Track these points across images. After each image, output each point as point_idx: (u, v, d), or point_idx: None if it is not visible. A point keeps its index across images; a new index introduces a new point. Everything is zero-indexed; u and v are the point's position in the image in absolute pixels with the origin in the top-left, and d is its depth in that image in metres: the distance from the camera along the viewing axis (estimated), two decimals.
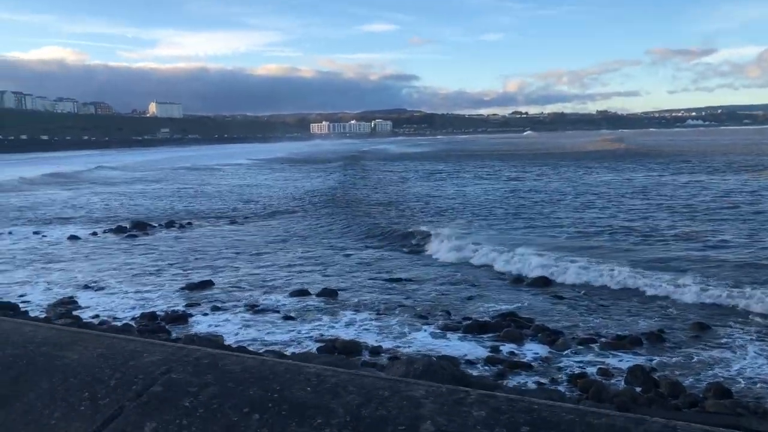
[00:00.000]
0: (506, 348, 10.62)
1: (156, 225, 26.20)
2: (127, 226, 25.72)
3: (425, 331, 11.89)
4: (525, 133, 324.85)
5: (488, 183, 44.49)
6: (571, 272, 15.62)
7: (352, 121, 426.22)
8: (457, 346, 10.84)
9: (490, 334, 11.30)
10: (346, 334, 11.59)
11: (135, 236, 23.83)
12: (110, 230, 25.03)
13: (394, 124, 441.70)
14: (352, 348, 10.59)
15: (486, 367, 9.85)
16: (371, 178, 53.58)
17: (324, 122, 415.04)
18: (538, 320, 12.17)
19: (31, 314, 13.38)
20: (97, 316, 13.23)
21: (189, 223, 26.85)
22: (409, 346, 10.89)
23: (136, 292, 15.46)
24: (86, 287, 16.00)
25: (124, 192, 44.52)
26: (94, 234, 24.44)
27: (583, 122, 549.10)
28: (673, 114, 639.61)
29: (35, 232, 25.31)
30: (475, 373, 9.62)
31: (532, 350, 10.53)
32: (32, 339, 2.86)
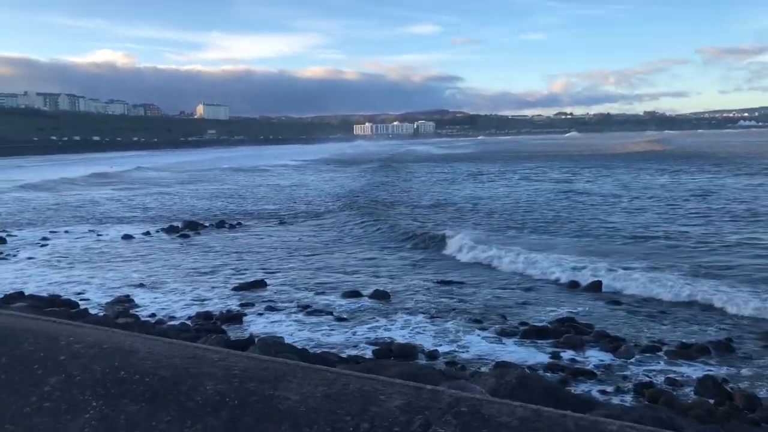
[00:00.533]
0: (567, 354, 10.34)
1: (207, 225, 26.53)
2: (179, 225, 26.11)
3: (479, 335, 11.67)
4: (568, 135, 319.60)
5: (535, 185, 43.84)
6: (628, 278, 15.16)
7: (395, 123, 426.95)
8: (515, 352, 10.59)
9: (549, 340, 11.02)
10: (401, 337, 11.45)
11: (187, 236, 24.17)
12: (163, 230, 25.44)
13: (436, 125, 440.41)
14: (407, 351, 10.45)
15: (547, 374, 9.58)
16: (414, 180, 53.37)
17: (367, 123, 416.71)
18: (598, 326, 11.83)
19: (91, 311, 13.64)
20: (153, 315, 13.39)
21: (239, 223, 27.12)
22: (465, 351, 10.69)
23: (191, 291, 15.62)
24: (141, 286, 16.24)
25: (173, 192, 45.31)
26: (147, 233, 24.87)
27: (629, 123, 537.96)
28: (724, 115, 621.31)
29: (90, 231, 25.91)
30: None
31: (594, 357, 10.22)
32: (230, 369, 2.32)
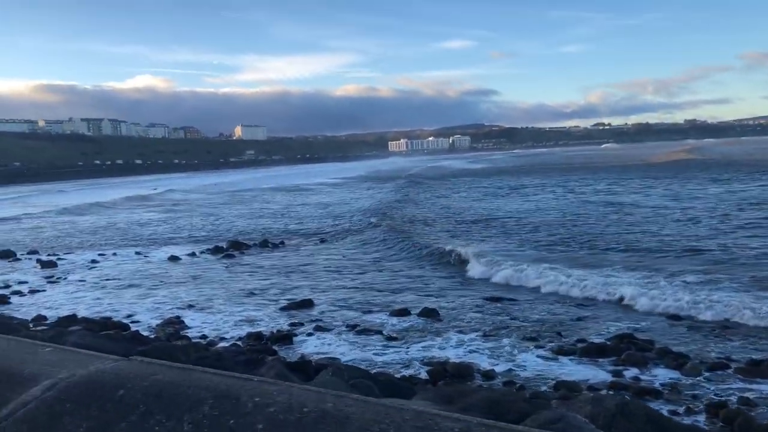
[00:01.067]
0: (630, 373, 9.96)
1: (251, 245, 26.68)
2: (224, 246, 26.32)
3: (535, 353, 11.35)
4: (603, 146, 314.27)
5: (581, 197, 43.04)
6: (685, 292, 14.63)
7: (430, 138, 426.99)
8: (575, 371, 10.25)
9: (609, 358, 10.65)
10: (455, 356, 11.21)
11: (232, 256, 24.32)
12: (208, 250, 25.67)
13: (472, 139, 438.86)
14: (464, 372, 10.20)
15: (611, 393, 9.21)
16: (454, 195, 53.00)
17: (402, 140, 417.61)
18: (659, 342, 11.40)
19: (142, 333, 13.72)
20: (204, 336, 13.41)
21: (282, 242, 27.22)
22: (523, 370, 10.39)
23: (239, 311, 15.64)
24: (190, 307, 16.34)
25: (216, 213, 45.86)
26: (193, 254, 25.12)
27: (669, 132, 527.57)
28: None
29: (137, 253, 26.30)
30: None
31: (659, 375, 9.81)
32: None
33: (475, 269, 19.13)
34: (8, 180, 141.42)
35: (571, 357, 11.04)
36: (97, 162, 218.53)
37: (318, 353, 11.52)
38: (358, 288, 17.71)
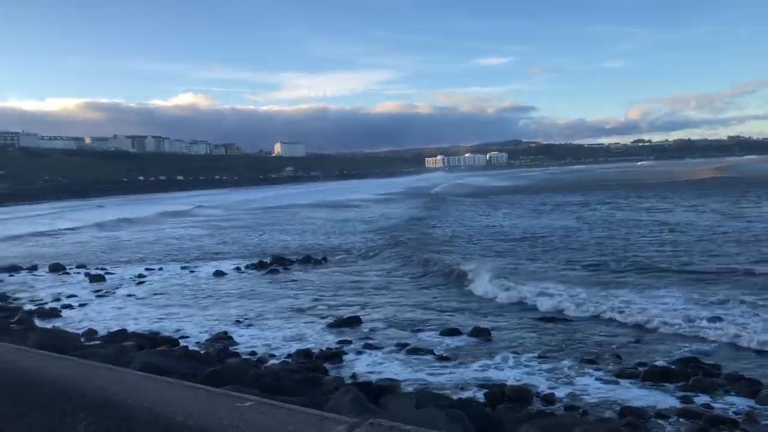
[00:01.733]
0: (699, 399, 9.44)
1: (294, 260, 26.63)
2: (268, 261, 26.32)
3: (594, 376, 10.89)
4: (639, 163, 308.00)
5: (630, 215, 42.05)
6: (751, 317, 13.98)
7: (467, 154, 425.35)
8: (639, 396, 9.78)
9: (675, 383, 10.14)
10: (511, 378, 10.83)
11: (276, 271, 24.30)
12: (252, 266, 25.70)
13: (509, 156, 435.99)
14: (522, 395, 9.82)
15: (681, 421, 8.75)
16: (496, 213, 52.36)
17: (438, 156, 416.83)
18: (726, 368, 10.83)
19: (190, 349, 13.67)
20: (253, 353, 13.27)
21: (324, 258, 27.08)
22: (585, 394, 9.96)
23: (287, 327, 15.51)
24: (238, 322, 16.28)
25: (259, 228, 46.12)
26: (238, 270, 25.18)
27: (712, 149, 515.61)
28: None
29: (183, 268, 26.48)
30: (668, 428, 8.58)
31: (731, 403, 9.29)
32: None
33: (515, 287, 18.53)
34: (55, 196, 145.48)
35: (633, 380, 10.57)
36: (141, 178, 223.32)
37: (370, 372, 11.27)
38: (404, 305, 17.43)
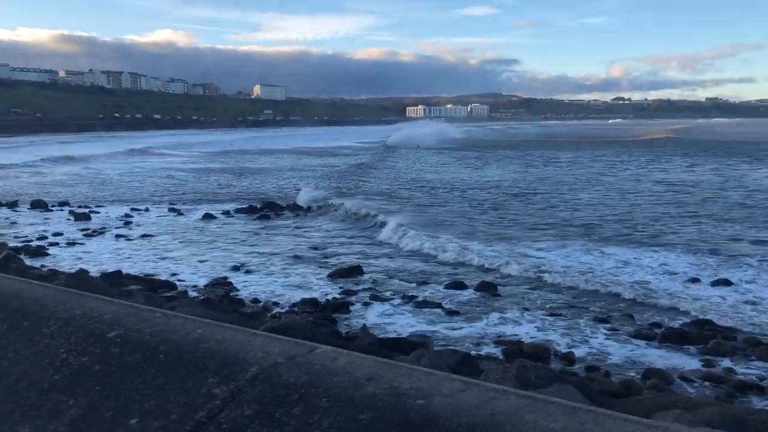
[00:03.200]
0: (723, 363, 9.31)
1: (285, 206, 26.08)
2: (258, 206, 25.74)
3: (611, 337, 10.70)
4: (610, 121, 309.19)
5: (624, 174, 42.01)
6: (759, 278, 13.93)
7: (448, 105, 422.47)
8: (661, 357, 9.62)
9: (696, 346, 9.99)
10: (526, 335, 10.62)
11: (268, 217, 23.77)
12: (242, 210, 25.11)
13: (491, 109, 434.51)
14: (542, 353, 9.60)
15: (705, 384, 8.61)
16: (485, 167, 52.01)
17: (420, 106, 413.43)
18: (742, 333, 10.71)
19: (190, 294, 13.27)
20: (257, 300, 12.89)
21: (309, 208, 26.34)
22: (606, 355, 9.77)
23: (285, 275, 15.11)
24: (235, 269, 15.80)
25: (244, 172, 45.26)
26: (227, 213, 24.59)
27: (691, 110, 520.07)
28: None
29: (171, 210, 25.79)
30: (692, 391, 8.43)
31: (755, 367, 9.17)
32: None
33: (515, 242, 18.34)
34: (29, 129, 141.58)
35: (649, 342, 10.41)
36: (117, 115, 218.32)
37: (383, 324, 10.98)
38: (401, 256, 17.12)
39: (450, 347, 9.67)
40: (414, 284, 14.08)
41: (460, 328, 11.10)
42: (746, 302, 12.37)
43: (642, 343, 10.42)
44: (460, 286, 13.77)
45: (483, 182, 35.92)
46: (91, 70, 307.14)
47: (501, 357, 9.58)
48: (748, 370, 9.09)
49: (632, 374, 8.98)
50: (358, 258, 16.85)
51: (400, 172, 43.65)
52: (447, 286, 13.83)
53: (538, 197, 28.69)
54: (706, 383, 8.66)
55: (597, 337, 10.63)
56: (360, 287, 13.79)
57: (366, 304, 12.52)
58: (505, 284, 14.04)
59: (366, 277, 14.75)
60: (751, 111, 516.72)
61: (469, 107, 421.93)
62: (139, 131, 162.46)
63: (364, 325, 10.98)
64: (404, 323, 11.29)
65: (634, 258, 16.17)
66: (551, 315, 11.75)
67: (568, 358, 9.61)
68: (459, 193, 30.71)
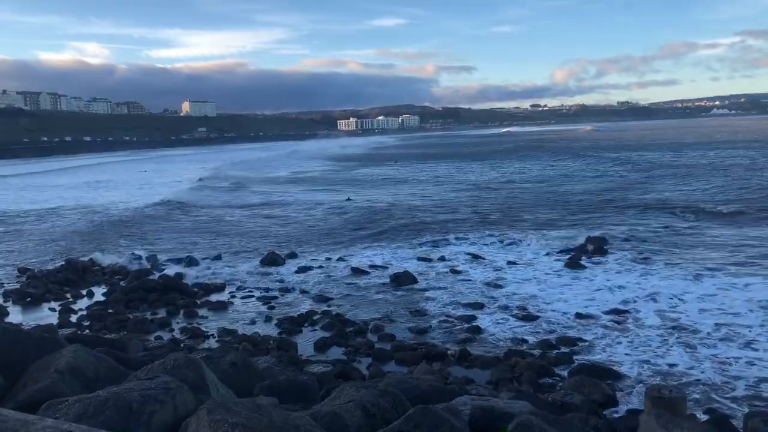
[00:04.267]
0: None
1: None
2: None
3: None
4: (504, 130, 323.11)
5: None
6: None
7: (380, 117, 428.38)
8: None
9: None
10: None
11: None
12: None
13: (421, 119, 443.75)
14: None
15: None
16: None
17: (351, 119, 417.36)
18: None
19: None
20: None
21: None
22: None
23: None
24: None
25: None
26: None
27: (606, 113, 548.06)
28: (696, 104, 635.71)
29: (329, 257, 26.93)
30: None
31: None
32: None
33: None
34: None
35: None
36: (45, 139, 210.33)
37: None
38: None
39: None
40: None
41: None
42: None
43: None
44: None
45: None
46: (5, 90, 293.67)
47: None
48: None
49: None
50: None
51: None
52: None
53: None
54: None
55: None
56: None
57: None
58: None
59: None
60: (660, 113, 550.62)
61: (400, 118, 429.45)
62: (74, 155, 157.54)
63: None
64: None
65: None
66: None
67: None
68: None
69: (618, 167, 59.92)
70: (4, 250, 27.62)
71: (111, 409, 4.51)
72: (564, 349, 13.26)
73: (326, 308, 17.23)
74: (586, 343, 13.62)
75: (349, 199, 41.92)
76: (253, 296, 18.93)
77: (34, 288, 19.72)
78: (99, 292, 19.69)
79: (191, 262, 23.26)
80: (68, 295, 19.25)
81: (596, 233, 24.85)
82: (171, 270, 21.99)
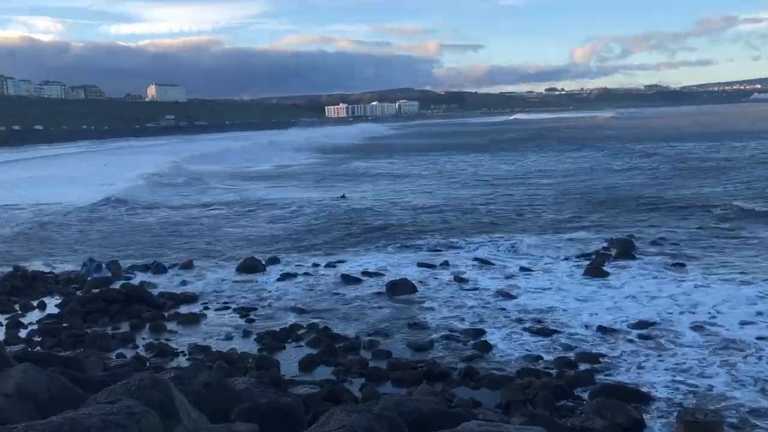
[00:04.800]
0: None
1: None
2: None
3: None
4: (513, 117, 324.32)
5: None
6: None
7: (374, 103, 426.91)
8: None
9: None
10: None
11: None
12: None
13: (420, 105, 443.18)
14: None
15: None
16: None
17: (341, 104, 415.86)
18: None
19: None
20: None
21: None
22: None
23: None
24: None
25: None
26: None
27: (631, 98, 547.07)
28: (734, 87, 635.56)
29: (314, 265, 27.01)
30: None
31: None
32: None
33: None
34: None
35: None
36: None
37: None
38: None
39: None
40: None
41: None
42: None
43: None
44: None
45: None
46: None
47: None
48: None
49: None
50: None
51: None
52: None
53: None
54: None
55: None
56: None
57: None
58: None
59: None
60: (696, 97, 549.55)
61: (397, 104, 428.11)
62: (24, 147, 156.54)
63: None
64: None
65: None
66: None
67: None
68: None
69: (644, 159, 60.19)
70: None
71: None
72: (584, 368, 13.33)
73: (313, 321, 17.29)
74: (610, 361, 13.69)
75: (343, 197, 41.96)
76: (229, 308, 19.01)
77: None
78: (52, 304, 19.70)
79: (158, 269, 23.34)
80: (16, 307, 19.26)
81: (621, 235, 24.96)
82: (135, 278, 22.10)
